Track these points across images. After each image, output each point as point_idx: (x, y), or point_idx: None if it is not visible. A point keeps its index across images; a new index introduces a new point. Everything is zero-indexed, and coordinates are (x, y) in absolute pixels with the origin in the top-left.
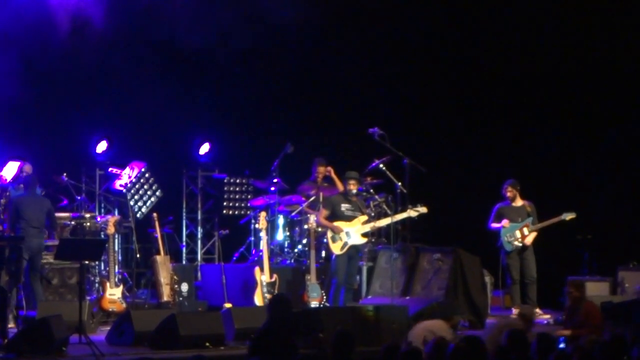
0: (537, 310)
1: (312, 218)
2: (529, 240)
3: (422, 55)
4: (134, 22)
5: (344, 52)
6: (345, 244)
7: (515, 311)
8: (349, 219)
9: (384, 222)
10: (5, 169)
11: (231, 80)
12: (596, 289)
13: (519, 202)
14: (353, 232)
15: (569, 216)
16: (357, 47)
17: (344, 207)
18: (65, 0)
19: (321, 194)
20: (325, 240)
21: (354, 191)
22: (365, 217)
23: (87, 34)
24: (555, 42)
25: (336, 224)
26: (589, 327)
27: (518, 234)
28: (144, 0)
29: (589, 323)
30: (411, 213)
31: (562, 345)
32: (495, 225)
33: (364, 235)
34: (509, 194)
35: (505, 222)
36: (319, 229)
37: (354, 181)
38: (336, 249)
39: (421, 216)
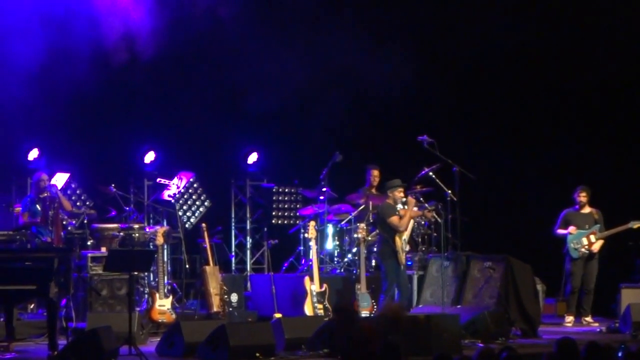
0: (588, 319)
1: (362, 226)
2: (595, 247)
3: (472, 62)
4: (181, 38)
5: (393, 59)
6: (405, 253)
7: (568, 319)
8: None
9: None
10: (53, 180)
11: (279, 89)
12: None
13: (586, 209)
14: (405, 240)
15: (636, 224)
16: (407, 54)
17: (398, 214)
18: (115, 21)
19: (370, 202)
20: (374, 249)
21: (404, 199)
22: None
23: (136, 50)
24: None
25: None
26: None
27: (585, 241)
28: (192, 21)
29: None
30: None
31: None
32: (561, 231)
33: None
34: (582, 199)
35: (572, 229)
36: (369, 238)
37: (402, 188)
38: (403, 259)
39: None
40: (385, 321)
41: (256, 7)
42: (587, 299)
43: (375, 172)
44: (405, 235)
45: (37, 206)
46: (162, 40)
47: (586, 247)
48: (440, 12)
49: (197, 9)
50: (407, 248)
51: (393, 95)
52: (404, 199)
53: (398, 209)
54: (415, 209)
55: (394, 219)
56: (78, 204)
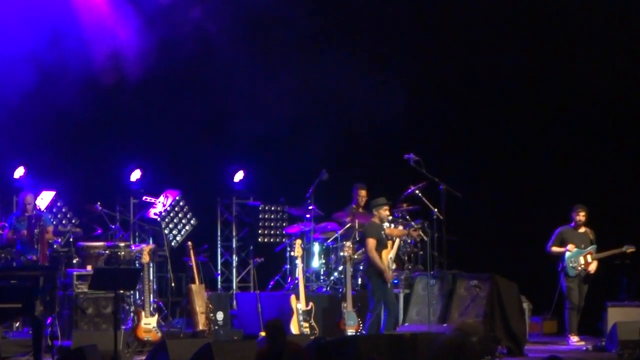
0: (575, 337)
1: (348, 245)
2: (592, 268)
3: (458, 80)
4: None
5: (379, 79)
6: (392, 270)
7: (573, 339)
8: (386, 245)
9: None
10: (39, 198)
11: (265, 107)
12: (635, 315)
13: (582, 228)
14: (392, 258)
15: (630, 249)
16: (392, 72)
17: (382, 233)
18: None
19: (357, 221)
20: (360, 267)
21: (390, 217)
22: (390, 242)
23: (124, 70)
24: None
25: (383, 253)
26: None
27: (582, 260)
28: (181, 42)
29: None
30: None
31: None
32: (557, 249)
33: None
34: (581, 218)
35: (570, 247)
36: (355, 256)
37: (387, 207)
38: (390, 277)
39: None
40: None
41: (245, 31)
42: (576, 317)
43: (362, 191)
44: (392, 254)
45: (22, 224)
46: (150, 60)
47: (583, 266)
48: (425, 34)
49: (185, 30)
50: (394, 266)
51: (379, 114)
52: (390, 217)
53: (384, 227)
54: (400, 227)
55: (370, 242)
56: (64, 222)
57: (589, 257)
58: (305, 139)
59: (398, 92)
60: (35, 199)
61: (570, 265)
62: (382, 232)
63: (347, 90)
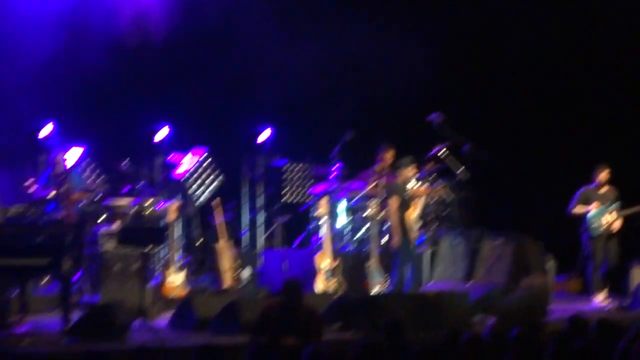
0: (600, 296)
1: (373, 204)
2: (616, 226)
3: (484, 37)
4: (194, 11)
5: (404, 36)
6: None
7: (597, 298)
8: (409, 205)
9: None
10: (67, 154)
11: (292, 65)
12: None
13: (604, 187)
14: (417, 217)
15: None
16: (419, 30)
17: (407, 193)
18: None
19: (382, 180)
20: (386, 225)
21: (415, 177)
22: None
23: (150, 31)
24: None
25: (407, 213)
26: None
27: (605, 219)
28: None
29: None
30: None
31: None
32: (579, 209)
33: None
34: (604, 177)
35: (593, 206)
36: (380, 215)
37: (413, 167)
38: (413, 235)
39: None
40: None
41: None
42: (608, 276)
43: (388, 150)
44: (417, 213)
45: (52, 182)
46: (177, 20)
47: (607, 225)
48: None
49: None
50: (419, 225)
51: (405, 74)
52: (415, 177)
53: (407, 188)
54: (425, 186)
55: (393, 202)
56: (93, 179)
57: (612, 216)
58: (332, 99)
59: (423, 53)
60: (64, 156)
61: (594, 225)
62: (406, 191)
63: (373, 52)
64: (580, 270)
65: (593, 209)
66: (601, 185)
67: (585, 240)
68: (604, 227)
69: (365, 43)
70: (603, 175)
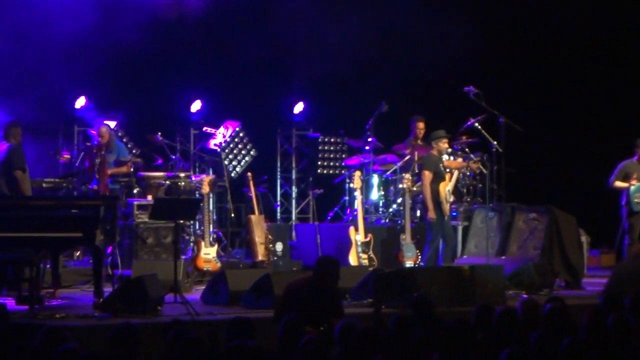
0: None
1: (407, 177)
2: None
3: (518, 12)
4: None
5: (439, 9)
6: (450, 204)
7: None
8: (444, 177)
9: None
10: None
11: (325, 39)
12: None
13: None
14: (450, 191)
15: None
16: (455, 2)
17: (441, 165)
18: None
19: (416, 153)
20: (420, 197)
21: (449, 150)
22: (448, 174)
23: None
24: None
25: (440, 185)
26: None
27: None
28: None
29: None
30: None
31: None
32: (620, 183)
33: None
34: None
35: (634, 180)
36: (414, 188)
37: (446, 139)
38: (447, 210)
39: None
40: None
41: None
42: None
43: (421, 123)
44: (450, 186)
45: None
46: None
47: None
48: None
49: None
50: (452, 199)
51: (440, 47)
52: (449, 150)
53: (443, 159)
54: (460, 160)
55: (426, 174)
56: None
57: None
58: (366, 71)
59: (459, 26)
60: (98, 129)
61: (635, 200)
62: (441, 164)
63: (407, 25)
64: (617, 244)
65: (633, 183)
66: None
67: (624, 215)
68: None
69: (399, 15)
70: None
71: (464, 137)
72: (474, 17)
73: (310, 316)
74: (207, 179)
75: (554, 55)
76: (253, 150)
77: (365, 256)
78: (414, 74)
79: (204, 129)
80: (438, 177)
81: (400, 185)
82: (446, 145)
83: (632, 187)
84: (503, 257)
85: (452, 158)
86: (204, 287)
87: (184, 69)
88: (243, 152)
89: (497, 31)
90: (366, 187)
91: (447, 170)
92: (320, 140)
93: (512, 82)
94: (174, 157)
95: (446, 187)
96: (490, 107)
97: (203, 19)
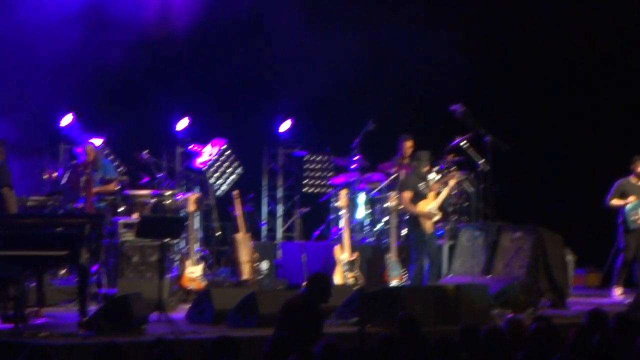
0: (619, 290)
1: (393, 195)
2: None
3: (506, 31)
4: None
5: (426, 27)
6: (433, 221)
7: (618, 291)
8: (425, 196)
9: (442, 195)
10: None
11: (312, 57)
12: None
13: None
14: (433, 208)
15: None
16: (439, 22)
17: (421, 185)
18: None
19: (402, 171)
20: (405, 217)
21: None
22: (433, 193)
23: (174, 23)
24: None
25: (420, 203)
26: None
27: None
28: None
29: None
30: (451, 182)
31: None
32: (617, 202)
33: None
34: None
35: (631, 199)
36: (400, 207)
37: (427, 165)
38: (429, 227)
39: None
40: None
41: None
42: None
43: (408, 142)
44: (436, 203)
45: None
46: (200, 13)
47: None
48: None
49: None
50: (438, 217)
51: (427, 67)
52: (431, 174)
53: (425, 181)
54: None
55: (405, 195)
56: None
57: None
58: (353, 90)
59: (445, 45)
60: (84, 147)
61: (631, 218)
62: (422, 184)
63: (395, 44)
64: (610, 262)
65: (630, 201)
66: (638, 177)
67: (620, 233)
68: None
69: (387, 35)
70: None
71: (450, 156)
72: (460, 37)
73: (306, 333)
74: (192, 197)
75: (540, 73)
76: (239, 168)
77: (350, 275)
78: (400, 92)
79: (190, 147)
80: (417, 197)
81: (386, 204)
82: (427, 168)
83: (628, 206)
84: (488, 276)
85: (439, 177)
86: (189, 306)
87: (170, 86)
88: (229, 170)
89: (484, 50)
90: (352, 206)
91: (435, 188)
92: (306, 158)
93: (498, 101)
94: (159, 175)
95: (427, 205)
96: (476, 126)
97: (190, 37)
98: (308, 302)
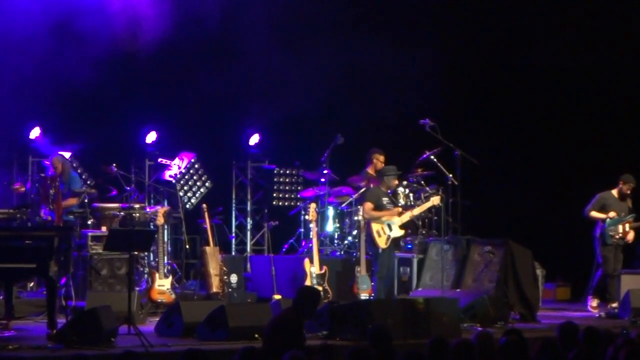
0: (615, 304)
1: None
2: (630, 237)
3: (474, 46)
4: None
5: (394, 43)
6: (389, 237)
7: (594, 302)
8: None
9: (417, 210)
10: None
11: (281, 72)
12: None
13: (624, 198)
14: (393, 224)
15: None
16: (409, 38)
17: (385, 200)
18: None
19: (371, 185)
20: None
21: (404, 182)
22: (399, 209)
23: (142, 38)
24: None
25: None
26: None
27: (620, 228)
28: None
29: None
30: (435, 202)
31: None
32: (597, 214)
33: (402, 227)
34: (628, 191)
35: (612, 214)
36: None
37: (396, 177)
38: (382, 243)
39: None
40: None
41: (268, 6)
42: (613, 285)
43: (381, 157)
44: (397, 219)
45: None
46: (170, 29)
47: (621, 235)
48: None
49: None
50: (401, 233)
51: (396, 82)
52: (404, 182)
53: (390, 196)
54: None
55: (366, 205)
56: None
57: (627, 226)
58: (321, 105)
59: (416, 63)
60: (52, 160)
61: (610, 233)
62: (385, 198)
63: (363, 60)
64: (592, 277)
65: (611, 216)
66: (622, 196)
67: (597, 247)
68: (619, 236)
69: (356, 51)
70: (627, 188)
71: (419, 170)
72: (429, 53)
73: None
74: (162, 210)
75: (511, 89)
76: (208, 181)
77: (320, 288)
78: (369, 107)
79: (159, 160)
80: (379, 210)
81: (356, 218)
82: (396, 182)
83: (608, 221)
84: (458, 290)
85: (407, 190)
86: (158, 319)
87: (139, 99)
88: (198, 183)
89: (453, 66)
90: (321, 219)
91: (396, 204)
92: (275, 172)
93: (468, 116)
94: (128, 188)
95: (389, 220)
96: (445, 140)
97: (159, 52)
98: (299, 316)
